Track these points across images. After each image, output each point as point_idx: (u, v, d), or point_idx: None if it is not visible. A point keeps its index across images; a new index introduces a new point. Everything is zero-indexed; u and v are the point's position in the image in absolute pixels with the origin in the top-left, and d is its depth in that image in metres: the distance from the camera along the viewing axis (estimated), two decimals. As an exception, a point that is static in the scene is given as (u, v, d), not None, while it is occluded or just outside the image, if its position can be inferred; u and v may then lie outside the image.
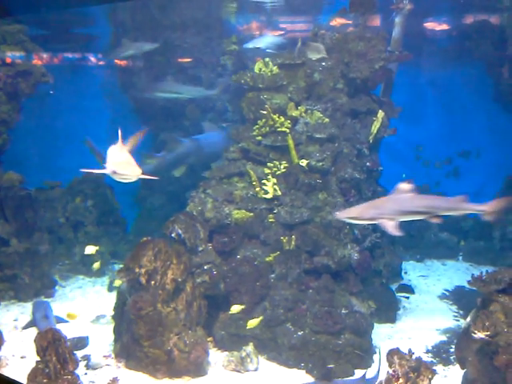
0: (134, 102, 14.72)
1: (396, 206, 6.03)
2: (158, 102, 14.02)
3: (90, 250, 10.23)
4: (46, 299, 10.27)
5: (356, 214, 6.03)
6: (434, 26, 14.90)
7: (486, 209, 6.40)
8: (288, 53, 9.88)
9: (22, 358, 8.02)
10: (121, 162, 6.52)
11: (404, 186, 6.14)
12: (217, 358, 8.07)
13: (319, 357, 7.82)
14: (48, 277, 10.89)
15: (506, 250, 12.23)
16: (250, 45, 11.53)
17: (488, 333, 6.03)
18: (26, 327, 9.03)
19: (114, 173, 6.48)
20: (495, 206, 6.35)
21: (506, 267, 6.81)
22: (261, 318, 8.09)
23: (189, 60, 14.19)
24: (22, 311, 9.81)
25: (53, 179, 12.81)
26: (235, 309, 8.11)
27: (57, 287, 11.02)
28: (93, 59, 17.84)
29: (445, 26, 15.15)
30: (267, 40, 11.61)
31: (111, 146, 6.85)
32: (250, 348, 7.89)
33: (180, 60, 14.20)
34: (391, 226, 5.85)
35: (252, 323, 7.99)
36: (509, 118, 15.09)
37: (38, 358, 6.20)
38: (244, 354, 7.82)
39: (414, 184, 6.26)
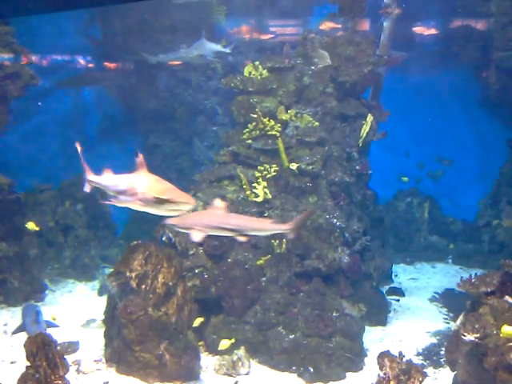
0: (124, 105, 14.70)
1: (207, 221, 6.36)
2: (148, 105, 14.02)
3: (31, 226, 10.17)
4: (35, 303, 10.18)
5: (176, 222, 6.40)
6: (422, 30, 15.04)
7: (288, 227, 6.73)
8: (278, 56, 9.93)
9: (11, 363, 7.95)
10: (167, 189, 5.15)
11: (218, 203, 6.51)
12: (208, 362, 8.05)
13: (310, 360, 7.84)
14: (38, 281, 10.82)
15: (495, 252, 12.34)
16: (194, 51, 11.21)
17: (477, 335, 6.08)
18: (15, 332, 8.95)
19: (161, 202, 5.09)
20: (295, 224, 6.74)
21: (495, 270, 6.89)
22: (233, 340, 8.05)
23: (179, 63, 14.19)
24: (12, 316, 9.72)
25: (43, 182, 12.74)
26: (224, 345, 7.99)
27: (47, 291, 10.94)
28: (82, 61, 17.75)
29: (433, 31, 15.29)
30: (207, 47, 11.26)
31: (132, 173, 5.51)
32: (241, 352, 7.89)
33: (170, 63, 14.20)
34: (197, 237, 6.24)
35: (224, 345, 7.97)
36: (495, 122, 15.26)
37: (28, 363, 6.13)
38: (235, 357, 7.82)
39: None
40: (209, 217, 6.49)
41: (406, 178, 13.92)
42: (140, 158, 5.40)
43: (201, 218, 6.49)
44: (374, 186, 10.44)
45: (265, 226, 6.76)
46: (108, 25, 14.54)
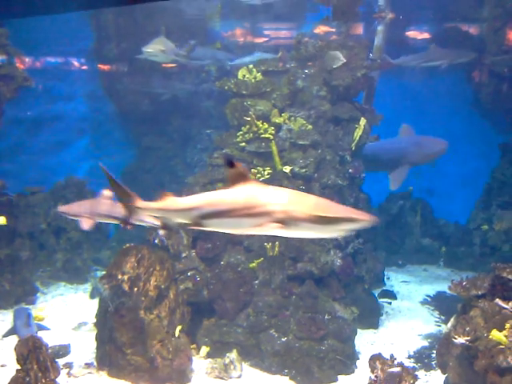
0: (118, 108, 14.68)
1: (95, 209, 6.80)
2: (141, 107, 14.02)
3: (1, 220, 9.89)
4: (27, 306, 10.13)
5: (65, 210, 6.86)
6: (415, 34, 15.15)
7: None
8: (272, 60, 9.96)
9: (2, 366, 7.90)
10: (325, 204, 4.11)
11: (106, 192, 6.80)
12: (200, 365, 8.03)
13: (302, 363, 7.85)
14: (29, 283, 10.76)
15: (486, 255, 12.39)
16: (150, 48, 10.25)
17: (468, 338, 6.12)
18: (6, 335, 8.90)
19: (327, 222, 3.91)
20: None
21: (486, 273, 6.93)
22: (208, 349, 8.17)
23: (173, 66, 14.20)
24: (3, 319, 9.67)
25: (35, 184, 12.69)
26: (204, 351, 8.18)
27: (38, 294, 10.88)
28: (76, 63, 17.71)
29: (426, 35, 15.40)
30: (166, 45, 10.47)
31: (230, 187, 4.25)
32: (233, 355, 7.89)
33: (164, 65, 14.21)
34: (86, 224, 6.74)
35: (204, 351, 8.14)
36: (487, 126, 15.36)
37: (19, 367, 6.11)
38: (227, 360, 7.81)
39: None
40: (98, 205, 6.84)
41: (411, 188, 14.02)
42: (239, 166, 4.14)
43: (90, 207, 6.88)
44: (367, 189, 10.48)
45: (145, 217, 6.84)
46: (101, 27, 14.54)
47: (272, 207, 3.92)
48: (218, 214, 4.13)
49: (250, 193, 4.06)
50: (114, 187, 4.69)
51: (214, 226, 4.32)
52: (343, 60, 9.42)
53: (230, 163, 4.09)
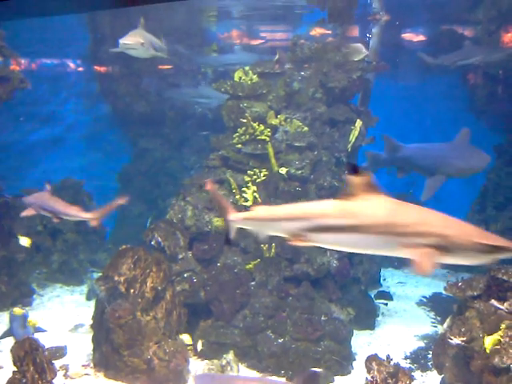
0: (114, 109, 14.67)
1: (35, 200, 7.85)
2: (137, 109, 14.02)
3: (24, 241, 10.26)
4: (23, 308, 10.09)
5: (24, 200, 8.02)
6: (411, 37, 15.21)
7: (91, 216, 7.37)
8: (268, 61, 9.98)
9: (-2, 368, 7.89)
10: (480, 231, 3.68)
11: (48, 186, 7.83)
12: (197, 366, 8.03)
13: (299, 364, 7.86)
14: (25, 285, 10.74)
15: (482, 257, 12.42)
16: (128, 40, 8.91)
17: (464, 338, 6.16)
18: (2, 337, 8.86)
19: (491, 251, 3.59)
20: (99, 214, 7.36)
21: (482, 274, 6.96)
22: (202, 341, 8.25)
23: (169, 67, 14.22)
24: (-1, 321, 9.66)
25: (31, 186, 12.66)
26: (187, 340, 8.25)
27: (34, 296, 10.87)
28: (72, 65, 17.72)
29: (421, 37, 15.46)
30: (145, 38, 9.24)
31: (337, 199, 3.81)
32: (230, 356, 7.89)
33: (160, 67, 14.22)
34: (27, 213, 7.88)
35: (187, 340, 8.22)
36: (482, 128, 15.42)
37: (15, 368, 6.11)
38: (224, 362, 7.82)
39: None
40: (39, 198, 7.83)
41: (411, 191, 14.07)
42: (365, 173, 3.58)
43: (35, 199, 7.91)
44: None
45: (72, 213, 7.52)
46: (97, 29, 14.55)
47: (427, 229, 3.44)
48: (338, 229, 3.59)
49: (390, 207, 3.53)
50: (216, 201, 4.67)
51: (326, 242, 3.79)
52: (365, 52, 9.37)
53: (354, 170, 3.56)
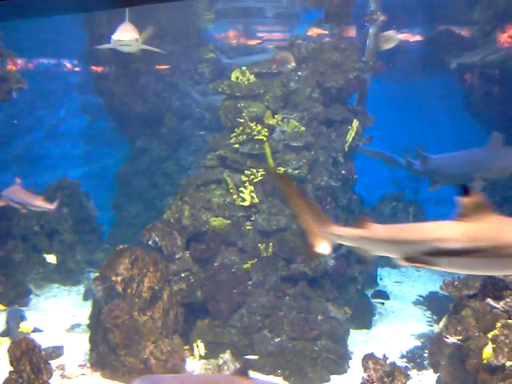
0: (111, 109, 14.65)
1: (10, 194, 8.78)
2: (135, 109, 14.00)
3: (51, 258, 10.72)
4: (20, 308, 10.10)
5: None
6: (407, 37, 15.23)
7: (52, 207, 8.72)
8: (265, 61, 10.00)
9: (-6, 368, 7.88)
10: None
11: (18, 180, 8.85)
12: (194, 366, 8.04)
13: (296, 363, 7.88)
14: (22, 285, 10.73)
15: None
16: (124, 37, 8.48)
17: (460, 337, 6.18)
18: (-1, 336, 8.88)
19: None
20: (56, 205, 8.77)
21: (477, 273, 6.99)
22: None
23: (166, 67, 14.20)
24: (-5, 321, 9.64)
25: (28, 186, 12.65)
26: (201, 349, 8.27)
27: (31, 296, 10.85)
28: (69, 65, 17.70)
29: (418, 38, 15.49)
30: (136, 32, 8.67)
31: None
32: (227, 355, 7.90)
33: (157, 67, 14.21)
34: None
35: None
36: (478, 128, 15.47)
37: (12, 368, 6.11)
38: (221, 361, 7.82)
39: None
40: (10, 191, 8.81)
41: (407, 191, 14.11)
42: (477, 194, 3.57)
43: (6, 192, 8.83)
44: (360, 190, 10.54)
45: (37, 204, 8.68)
46: (94, 29, 14.52)
47: None
48: (462, 253, 3.47)
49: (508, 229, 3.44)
50: (309, 211, 4.06)
51: (447, 266, 3.63)
52: (398, 39, 9.24)
53: (465, 191, 3.53)
